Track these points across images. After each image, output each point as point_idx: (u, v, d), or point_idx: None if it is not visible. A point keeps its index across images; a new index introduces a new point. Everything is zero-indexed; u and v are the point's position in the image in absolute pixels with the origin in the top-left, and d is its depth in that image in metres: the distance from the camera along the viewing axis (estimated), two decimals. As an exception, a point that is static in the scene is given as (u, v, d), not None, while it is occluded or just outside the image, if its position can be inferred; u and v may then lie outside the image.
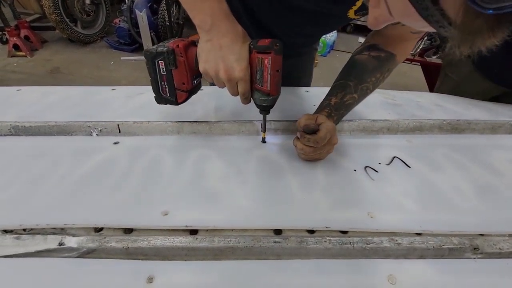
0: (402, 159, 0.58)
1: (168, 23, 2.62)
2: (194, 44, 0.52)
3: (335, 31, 3.51)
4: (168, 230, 0.43)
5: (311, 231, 0.44)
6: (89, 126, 0.64)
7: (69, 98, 0.82)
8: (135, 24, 2.78)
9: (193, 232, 0.43)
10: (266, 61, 0.46)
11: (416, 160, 0.58)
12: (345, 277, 0.39)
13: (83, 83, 2.46)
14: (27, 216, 0.44)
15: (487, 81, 0.92)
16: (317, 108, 0.59)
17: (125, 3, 2.89)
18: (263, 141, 0.62)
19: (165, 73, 0.53)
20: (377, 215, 0.46)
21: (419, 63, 1.78)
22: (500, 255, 0.42)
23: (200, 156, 0.58)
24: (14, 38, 2.61)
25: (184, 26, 3.30)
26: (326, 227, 0.43)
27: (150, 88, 0.86)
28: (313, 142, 0.49)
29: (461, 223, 0.46)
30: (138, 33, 2.79)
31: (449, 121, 0.67)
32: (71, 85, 2.38)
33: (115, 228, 0.44)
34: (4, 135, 0.63)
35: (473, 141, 0.65)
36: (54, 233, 0.42)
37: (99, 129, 0.65)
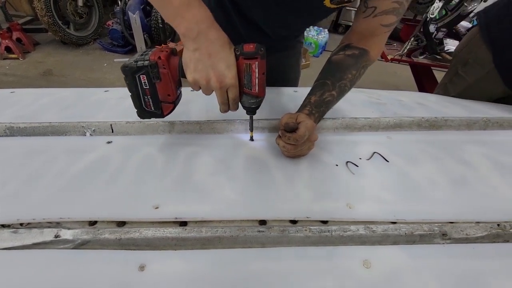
0: (382, 154, 0.62)
1: (161, 25, 2.63)
2: (174, 53, 0.52)
3: (327, 32, 3.57)
4: (159, 222, 0.46)
5: (294, 221, 0.47)
6: (82, 126, 0.66)
7: (62, 99, 0.84)
8: (128, 26, 2.79)
9: (183, 223, 0.46)
10: (253, 66, 0.48)
11: (394, 155, 0.62)
12: (324, 263, 0.42)
13: (76, 85, 2.46)
14: (24, 211, 0.46)
15: (501, 83, 0.89)
16: (299, 107, 0.62)
17: (118, 5, 2.90)
18: (251, 139, 0.65)
19: (148, 87, 0.51)
20: (355, 206, 0.49)
21: (407, 63, 1.83)
22: (467, 240, 0.45)
23: (190, 154, 0.61)
24: (6, 41, 2.60)
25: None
26: (307, 217, 0.46)
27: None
28: (293, 140, 0.52)
29: (432, 212, 0.49)
30: (131, 35, 2.80)
31: (427, 118, 0.71)
32: (64, 87, 2.39)
33: (108, 221, 0.46)
34: (0, 136, 0.65)
35: (449, 137, 0.69)
36: (50, 227, 0.44)
37: (93, 129, 0.67)
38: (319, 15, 0.74)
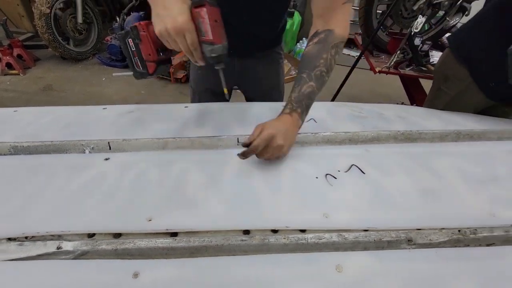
0: (359, 167, 0.67)
1: (158, 40, 2.71)
2: None
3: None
4: (152, 233, 0.50)
5: (275, 231, 0.52)
6: (82, 144, 0.72)
7: (63, 117, 0.89)
8: (126, 41, 2.87)
9: (173, 234, 0.51)
10: (202, 13, 0.54)
11: (371, 167, 0.67)
12: (300, 268, 0.46)
13: (76, 100, 2.52)
14: (29, 225, 0.51)
15: (482, 95, 0.96)
16: (283, 108, 0.68)
17: (116, 22, 3.00)
18: (227, 97, 0.69)
19: (134, 48, 0.63)
20: (331, 215, 0.54)
21: (395, 75, 1.90)
22: (430, 245, 0.50)
23: (182, 169, 0.66)
24: (7, 57, 2.68)
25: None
26: (286, 227, 0.51)
27: (138, 106, 0.95)
28: (250, 151, 0.61)
29: (401, 220, 0.54)
30: (130, 50, 2.88)
31: (403, 131, 0.77)
32: (63, 101, 2.45)
33: (105, 233, 0.51)
34: (4, 155, 0.70)
35: (423, 149, 0.74)
36: (52, 239, 0.49)
37: (92, 146, 0.72)
38: (278, 3, 0.79)
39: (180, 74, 2.88)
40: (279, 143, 0.61)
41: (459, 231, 0.51)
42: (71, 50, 2.94)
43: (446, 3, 1.72)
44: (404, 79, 2.20)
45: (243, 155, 0.63)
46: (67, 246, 0.47)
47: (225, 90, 0.67)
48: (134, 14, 3.02)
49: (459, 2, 1.72)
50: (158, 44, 0.62)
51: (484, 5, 0.99)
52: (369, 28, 1.97)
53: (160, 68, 0.65)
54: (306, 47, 0.70)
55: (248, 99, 1.18)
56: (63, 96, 2.55)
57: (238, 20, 0.79)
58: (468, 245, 0.51)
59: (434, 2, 1.71)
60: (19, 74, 2.72)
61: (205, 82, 1.06)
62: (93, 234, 0.50)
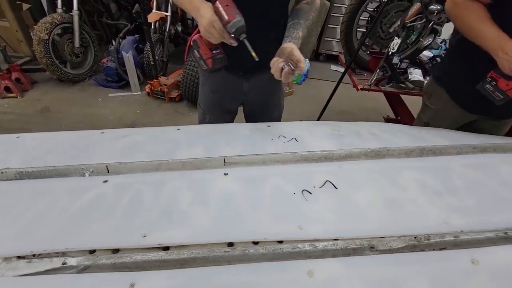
0: (333, 182, 0.75)
1: (152, 62, 2.83)
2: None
3: (308, 61, 3.84)
4: (146, 248, 0.57)
5: (256, 242, 0.59)
6: (82, 168, 0.79)
7: (63, 142, 0.96)
8: (122, 63, 2.99)
9: (166, 248, 0.57)
10: (216, 4, 0.78)
11: (343, 182, 0.75)
12: (276, 275, 0.53)
13: (73, 121, 2.59)
14: (36, 244, 0.57)
15: (460, 109, 1.16)
16: (287, 38, 0.90)
17: (112, 45, 3.12)
18: (256, 59, 0.84)
19: (198, 55, 0.90)
20: (305, 227, 0.61)
21: (376, 91, 2.02)
22: (390, 251, 0.57)
23: (173, 188, 0.73)
24: (6, 81, 2.75)
25: (169, 62, 3.55)
26: (265, 238, 0.58)
27: (133, 130, 1.03)
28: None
29: (366, 229, 0.61)
30: (125, 71, 2.99)
31: (373, 149, 0.85)
32: (61, 123, 2.53)
33: (105, 249, 0.57)
34: (11, 180, 0.77)
35: (390, 164, 0.83)
36: (57, 256, 0.55)
37: (91, 170, 0.79)
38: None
39: (174, 94, 2.98)
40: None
41: (415, 237, 0.59)
42: (68, 73, 3.03)
43: (419, 25, 1.87)
44: (387, 94, 2.33)
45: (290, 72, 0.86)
46: (71, 261, 0.54)
47: (253, 54, 0.84)
48: (129, 38, 3.15)
49: (430, 25, 1.87)
50: (209, 45, 0.86)
51: (452, 34, 1.17)
52: (351, 48, 2.11)
53: (215, 61, 0.89)
54: (297, 4, 1.00)
55: (249, 115, 1.30)
56: (61, 118, 2.61)
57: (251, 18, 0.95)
58: (423, 250, 0.58)
59: (408, 25, 1.85)
60: (17, 97, 2.79)
61: (216, 103, 1.21)
62: (94, 250, 0.57)
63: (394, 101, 2.35)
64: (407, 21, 1.85)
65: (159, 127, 1.09)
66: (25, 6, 3.50)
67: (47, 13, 3.21)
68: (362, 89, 1.94)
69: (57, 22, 2.82)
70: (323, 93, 2.40)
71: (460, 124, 1.22)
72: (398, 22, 1.89)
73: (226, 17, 0.77)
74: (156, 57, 3.19)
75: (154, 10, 3.13)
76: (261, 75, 1.11)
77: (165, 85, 2.91)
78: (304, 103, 3.23)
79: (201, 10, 0.81)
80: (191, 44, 0.88)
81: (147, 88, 2.98)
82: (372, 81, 1.95)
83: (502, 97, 0.98)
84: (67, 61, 3.04)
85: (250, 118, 1.29)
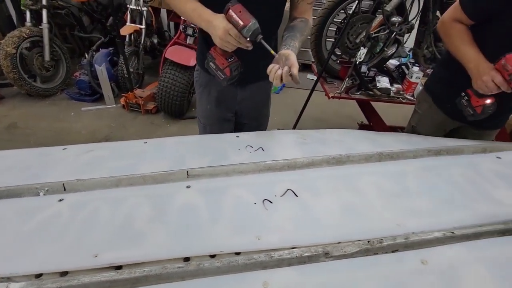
0: (294, 190, 0.76)
1: (126, 75, 2.80)
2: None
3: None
4: (98, 268, 0.55)
5: (213, 255, 0.58)
6: (36, 188, 0.75)
7: (23, 161, 0.92)
8: (95, 76, 2.92)
9: (118, 267, 0.56)
10: (230, 13, 0.81)
11: (304, 190, 0.76)
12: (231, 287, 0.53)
13: (42, 137, 2.48)
14: (-24, 272, 0.53)
15: (443, 114, 1.26)
16: (285, 46, 0.93)
17: (85, 58, 3.05)
18: (275, 55, 0.89)
19: (214, 67, 0.93)
20: (263, 237, 0.62)
21: (346, 99, 2.09)
22: (345, 256, 0.59)
23: (132, 204, 0.71)
24: (-32, 97, 2.62)
25: (145, 74, 3.51)
26: (221, 251, 0.58)
27: (98, 145, 1.01)
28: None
29: (323, 236, 0.62)
30: (98, 84, 2.92)
31: (334, 156, 0.88)
32: (28, 139, 2.42)
33: (53, 273, 0.54)
34: (-44, 203, 0.72)
35: (350, 170, 0.85)
36: (2, 281, 0.52)
37: (46, 189, 0.76)
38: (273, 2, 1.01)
39: (151, 106, 2.94)
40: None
41: (368, 241, 0.60)
42: (38, 87, 2.92)
43: (383, 36, 1.97)
44: (359, 101, 2.42)
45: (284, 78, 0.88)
46: (15, 287, 0.51)
47: (272, 52, 0.87)
48: (103, 51, 3.10)
49: (393, 35, 1.97)
50: (224, 55, 0.90)
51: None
52: (321, 58, 2.18)
53: (232, 68, 0.92)
54: (292, 21, 1.05)
55: (240, 123, 1.34)
56: (29, 134, 2.50)
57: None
58: (376, 253, 0.60)
59: (373, 35, 1.95)
60: (-20, 114, 2.66)
61: (214, 114, 1.26)
62: (41, 274, 0.54)
63: (366, 108, 2.44)
64: (371, 32, 1.94)
65: (125, 141, 1.07)
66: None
67: (16, 27, 3.11)
68: (333, 97, 2.00)
69: (25, 36, 2.74)
70: (300, 102, 2.44)
71: (446, 130, 1.33)
72: (364, 33, 1.98)
73: (241, 22, 0.80)
74: (132, 70, 3.15)
75: (128, 23, 3.11)
76: (254, 84, 1.20)
77: (141, 97, 2.87)
78: (281, 112, 3.28)
79: (213, 21, 0.84)
80: (209, 53, 0.92)
81: (122, 101, 2.93)
82: (342, 89, 2.02)
83: (471, 112, 1.06)
84: (36, 75, 2.94)
85: (240, 127, 1.35)
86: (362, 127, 3.03)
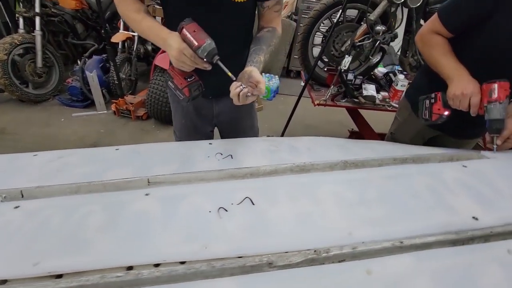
0: (252, 199, 0.75)
1: (117, 82, 2.82)
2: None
3: (277, 77, 3.95)
4: (37, 277, 0.54)
5: (157, 264, 0.58)
6: (-7, 195, 0.75)
7: (-11, 167, 0.92)
8: (87, 82, 2.95)
9: (59, 276, 0.55)
10: (184, 32, 0.77)
11: (262, 198, 0.76)
12: (169, 297, 0.52)
13: (29, 142, 2.49)
14: None
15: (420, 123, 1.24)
16: (250, 62, 0.91)
17: (77, 64, 3.09)
18: (233, 79, 0.85)
19: (173, 86, 0.89)
20: (210, 246, 0.61)
21: (331, 106, 2.10)
22: (290, 266, 0.58)
23: (87, 212, 0.71)
24: (-41, 103, 2.64)
25: (138, 81, 3.54)
26: (164, 260, 0.57)
27: (69, 151, 1.01)
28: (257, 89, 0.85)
29: (272, 245, 0.62)
30: (90, 91, 2.95)
31: (298, 164, 0.88)
32: (15, 145, 2.42)
33: (-10, 282, 0.54)
34: None
35: (313, 178, 0.85)
36: None
37: (4, 195, 0.76)
38: (236, 10, 0.96)
39: (141, 112, 2.95)
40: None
41: (314, 251, 0.60)
42: (29, 93, 2.94)
43: (368, 45, 1.99)
44: (347, 109, 2.43)
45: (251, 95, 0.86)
46: None
47: (229, 74, 0.84)
48: (95, 57, 3.13)
49: (377, 44, 1.99)
50: (183, 74, 0.87)
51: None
52: (308, 65, 2.20)
53: (192, 88, 0.88)
54: (258, 33, 1.04)
55: (224, 136, 1.32)
56: (16, 139, 2.51)
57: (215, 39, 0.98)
58: (323, 263, 0.59)
59: (358, 44, 1.96)
60: (-30, 120, 2.68)
61: (189, 128, 1.25)
62: (-23, 283, 0.54)
63: (353, 114, 2.44)
64: (356, 41, 1.96)
65: (96, 147, 1.08)
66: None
67: (12, 33, 3.15)
68: (318, 104, 2.01)
69: (17, 43, 2.77)
70: (286, 108, 2.46)
71: (425, 139, 1.33)
72: (349, 42, 2.00)
73: (195, 42, 0.76)
74: (124, 76, 3.18)
75: (121, 31, 3.15)
76: (229, 97, 1.12)
77: (131, 103, 2.89)
78: (272, 119, 3.29)
79: (168, 40, 0.81)
80: (166, 76, 0.90)
81: (113, 107, 2.94)
82: (328, 96, 2.02)
83: (427, 117, 1.05)
84: (28, 81, 2.96)
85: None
86: (352, 134, 3.04)
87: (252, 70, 0.86)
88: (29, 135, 2.58)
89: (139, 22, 0.89)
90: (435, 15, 1.05)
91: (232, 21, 0.98)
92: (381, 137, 2.26)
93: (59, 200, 0.76)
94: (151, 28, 0.88)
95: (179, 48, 0.78)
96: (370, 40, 1.97)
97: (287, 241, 0.63)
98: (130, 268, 0.57)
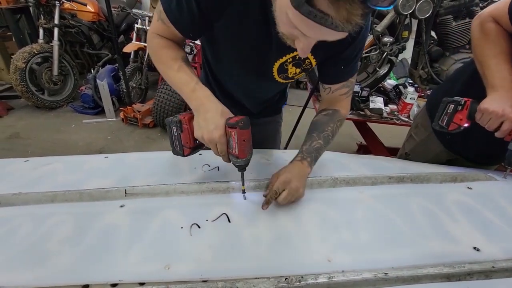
0: (229, 215, 0.71)
1: (125, 90, 2.88)
2: None
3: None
4: (-13, 292, 0.52)
5: (114, 284, 0.54)
6: (-32, 201, 0.74)
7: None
8: (99, 90, 3.04)
9: (10, 292, 0.52)
10: (233, 133, 0.64)
11: (240, 215, 0.71)
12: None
13: (40, 147, 2.56)
14: None
15: (440, 145, 1.09)
16: (294, 157, 0.79)
17: (91, 73, 3.20)
18: (243, 192, 0.76)
19: (176, 134, 0.76)
20: (173, 267, 0.56)
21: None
22: (256, 294, 0.52)
23: (56, 222, 0.68)
24: (-22, 108, 2.78)
25: (149, 89, 3.62)
26: (120, 280, 0.53)
27: (57, 158, 1.00)
28: (271, 197, 0.71)
29: (240, 269, 0.56)
30: (101, 99, 3.03)
31: (283, 179, 0.82)
32: (26, 149, 2.49)
33: None
34: None
35: (299, 195, 0.79)
36: None
37: (-21, 202, 0.75)
38: (275, 87, 0.95)
39: (148, 120, 2.99)
40: (296, 184, 0.70)
41: (286, 278, 0.54)
42: (45, 100, 3.07)
43: (374, 57, 1.93)
44: (355, 122, 2.35)
45: (267, 204, 0.71)
46: None
47: (243, 187, 0.75)
48: (108, 67, 3.24)
49: (384, 55, 1.93)
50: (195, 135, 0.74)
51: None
52: (313, 77, 2.15)
53: (193, 151, 0.79)
54: (315, 116, 0.88)
55: None
56: (28, 144, 2.59)
57: (244, 98, 0.97)
58: (294, 293, 0.53)
59: (364, 55, 1.91)
60: (-11, 123, 2.80)
61: None
62: None
63: (360, 126, 2.36)
64: (362, 52, 1.90)
65: (85, 155, 1.07)
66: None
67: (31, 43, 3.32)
68: (321, 116, 1.95)
69: (36, 52, 2.91)
70: (302, 120, 2.42)
71: (441, 161, 1.13)
72: (355, 53, 1.94)
73: (236, 152, 0.65)
74: (134, 85, 3.26)
75: (133, 41, 3.25)
76: (256, 122, 1.02)
77: (139, 111, 2.93)
78: (282, 130, 3.24)
79: (209, 112, 0.67)
80: (176, 119, 0.74)
81: (121, 114, 3.00)
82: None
83: (443, 124, 0.91)
84: (44, 88, 3.09)
85: None
86: (360, 147, 2.93)
87: (292, 178, 0.71)
88: (40, 140, 2.66)
89: (175, 71, 0.73)
90: (505, 1, 0.82)
91: (275, 89, 0.97)
92: (390, 151, 2.16)
93: (32, 209, 0.74)
94: (188, 84, 0.72)
95: (215, 138, 0.65)
96: (377, 51, 1.91)
97: (259, 265, 0.57)
98: (86, 286, 0.53)
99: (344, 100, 0.86)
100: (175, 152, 0.81)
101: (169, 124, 0.77)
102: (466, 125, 0.84)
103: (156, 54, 0.76)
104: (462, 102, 0.85)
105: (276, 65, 0.80)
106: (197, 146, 0.78)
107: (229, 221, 0.69)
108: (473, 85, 0.88)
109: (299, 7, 0.44)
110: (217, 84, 0.98)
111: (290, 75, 0.84)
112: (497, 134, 0.78)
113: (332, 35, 0.48)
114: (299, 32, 0.51)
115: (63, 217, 0.70)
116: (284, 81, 0.86)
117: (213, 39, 0.78)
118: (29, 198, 0.76)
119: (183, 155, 0.79)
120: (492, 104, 0.76)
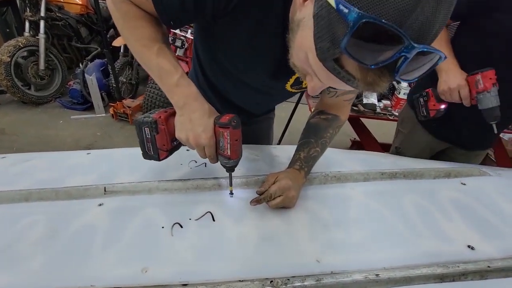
0: (213, 214, 0.67)
1: (114, 85, 2.81)
2: (174, 114, 0.64)
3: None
4: None
5: (88, 289, 0.50)
6: None
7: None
8: (87, 85, 2.95)
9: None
10: (225, 133, 0.59)
11: (225, 214, 0.67)
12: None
13: (26, 143, 2.48)
14: None
15: (429, 135, 1.16)
16: (290, 162, 0.74)
17: (79, 67, 3.10)
18: (231, 194, 0.71)
19: (149, 137, 0.65)
20: (151, 270, 0.53)
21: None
22: (240, 299, 0.49)
23: (29, 222, 0.64)
24: (-39, 103, 2.67)
25: (140, 85, 3.54)
26: (92, 286, 0.49)
27: (36, 155, 0.94)
28: (265, 198, 0.65)
29: (225, 271, 0.53)
30: (90, 93, 2.95)
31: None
32: (12, 145, 2.41)
33: None
34: None
35: (288, 192, 0.76)
36: None
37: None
38: (285, 96, 0.86)
39: (138, 116, 2.92)
40: (293, 194, 0.67)
41: (271, 281, 0.51)
42: (31, 95, 2.97)
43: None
44: (349, 118, 2.33)
45: (257, 202, 0.66)
46: None
47: (231, 188, 0.71)
48: (97, 61, 3.15)
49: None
50: (173, 135, 0.65)
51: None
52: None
53: (170, 153, 0.70)
54: (312, 117, 0.82)
55: None
56: (14, 140, 2.51)
57: (246, 106, 0.90)
58: (280, 296, 0.50)
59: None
60: (-28, 119, 2.70)
61: None
62: None
63: (354, 124, 2.33)
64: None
65: (67, 151, 1.02)
66: None
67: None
68: (314, 111, 1.92)
69: (21, 45, 2.80)
70: (295, 116, 2.39)
71: (433, 152, 1.22)
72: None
73: (228, 153, 0.60)
74: (124, 80, 3.18)
75: (123, 35, 3.15)
76: (249, 122, 1.00)
77: (129, 107, 2.86)
78: (274, 126, 3.21)
79: (197, 112, 0.59)
80: (148, 119, 0.63)
81: (110, 110, 2.93)
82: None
83: (425, 114, 1.02)
84: (30, 83, 2.99)
85: None
86: (354, 143, 2.92)
87: (292, 186, 0.67)
88: (27, 136, 2.58)
89: (154, 54, 0.58)
90: None
91: (285, 98, 0.91)
92: (383, 147, 2.14)
93: (4, 208, 0.69)
94: (170, 74, 0.59)
95: (203, 141, 0.59)
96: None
97: (243, 267, 0.54)
98: (56, 292, 0.49)
99: (346, 107, 0.82)
100: (147, 157, 0.69)
101: (139, 125, 0.65)
102: (442, 106, 0.97)
103: (127, 24, 0.58)
104: (425, 93, 1.01)
105: (293, 78, 0.71)
106: (175, 147, 0.69)
107: (214, 220, 0.65)
108: (430, 74, 0.97)
109: (325, 61, 0.40)
110: (210, 85, 0.88)
111: (304, 85, 0.77)
112: (464, 103, 0.91)
113: (348, 88, 0.44)
114: (315, 75, 0.46)
115: (36, 218, 0.66)
116: (297, 91, 0.80)
117: (214, 35, 0.64)
118: (2, 197, 0.71)
119: (159, 159, 0.68)
120: (440, 85, 0.94)
